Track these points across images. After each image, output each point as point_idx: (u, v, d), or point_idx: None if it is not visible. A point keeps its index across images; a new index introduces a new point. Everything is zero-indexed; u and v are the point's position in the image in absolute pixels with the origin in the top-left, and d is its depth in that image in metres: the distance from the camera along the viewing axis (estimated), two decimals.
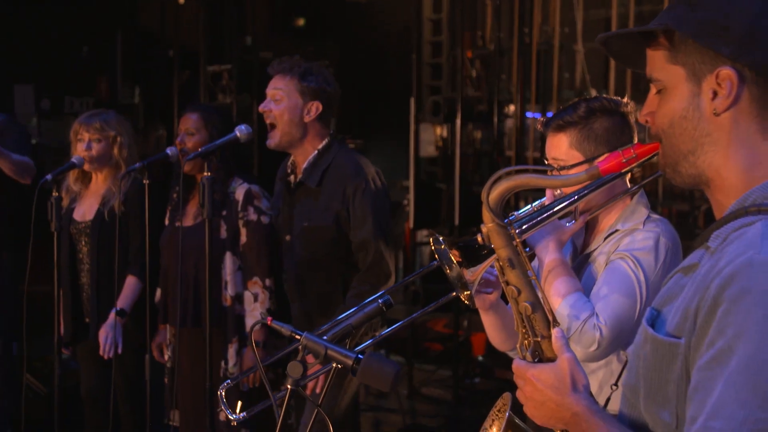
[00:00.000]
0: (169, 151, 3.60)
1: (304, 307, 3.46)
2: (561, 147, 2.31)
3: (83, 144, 3.96)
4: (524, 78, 7.34)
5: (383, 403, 5.73)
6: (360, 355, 1.75)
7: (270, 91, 3.39)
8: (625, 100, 2.33)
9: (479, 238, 2.00)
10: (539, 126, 2.41)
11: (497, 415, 1.79)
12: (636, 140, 2.33)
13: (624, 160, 1.48)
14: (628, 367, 1.46)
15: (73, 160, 3.89)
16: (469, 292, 2.15)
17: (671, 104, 1.38)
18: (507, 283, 1.54)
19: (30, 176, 4.38)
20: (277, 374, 3.74)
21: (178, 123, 3.85)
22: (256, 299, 3.60)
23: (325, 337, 2.11)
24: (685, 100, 1.36)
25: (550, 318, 1.52)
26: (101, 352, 3.83)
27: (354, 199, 3.29)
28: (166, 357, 3.89)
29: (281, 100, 3.35)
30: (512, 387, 1.52)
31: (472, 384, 6.20)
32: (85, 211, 4.07)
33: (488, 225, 1.52)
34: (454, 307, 6.16)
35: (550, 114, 8.54)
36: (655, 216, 2.31)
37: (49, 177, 3.63)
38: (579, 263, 2.37)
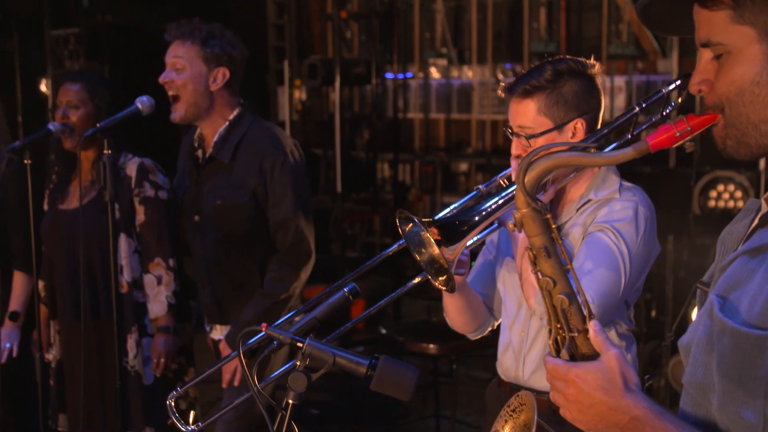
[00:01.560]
0: (52, 126, 3.19)
1: (216, 292, 3.18)
2: (528, 114, 2.17)
3: None
4: (384, 39, 7.25)
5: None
6: (374, 361, 1.55)
7: (169, 59, 3.07)
8: (591, 61, 2.22)
9: (511, 225, 1.83)
10: (500, 92, 2.25)
11: (510, 414, 1.65)
12: (603, 103, 2.23)
13: (677, 134, 1.35)
14: (692, 361, 1.33)
15: None
16: (445, 276, 1.99)
17: (739, 69, 1.27)
18: (541, 274, 1.39)
19: None
20: (180, 364, 3.43)
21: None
22: (159, 282, 3.27)
23: (291, 330, 1.91)
24: (758, 64, 1.26)
25: (585, 311, 1.39)
26: None
27: (272, 173, 3.03)
28: (50, 356, 3.50)
29: (183, 68, 3.04)
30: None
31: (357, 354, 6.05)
32: None
33: (522, 210, 1.36)
34: (334, 276, 6.01)
35: (410, 74, 8.52)
36: (627, 184, 2.22)
37: None
38: None
